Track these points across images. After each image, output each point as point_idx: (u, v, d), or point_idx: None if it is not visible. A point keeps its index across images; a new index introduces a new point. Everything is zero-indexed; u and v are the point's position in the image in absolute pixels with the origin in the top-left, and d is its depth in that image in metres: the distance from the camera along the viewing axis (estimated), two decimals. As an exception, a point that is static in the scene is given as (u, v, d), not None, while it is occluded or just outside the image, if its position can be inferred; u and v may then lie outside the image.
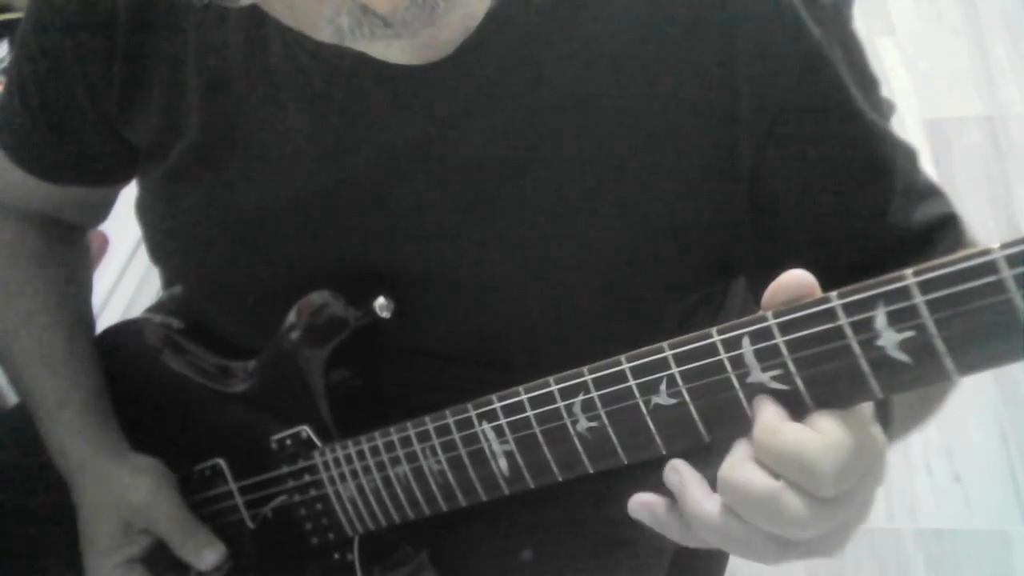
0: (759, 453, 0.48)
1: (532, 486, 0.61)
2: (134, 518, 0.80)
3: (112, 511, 0.80)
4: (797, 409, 0.48)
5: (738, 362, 0.49)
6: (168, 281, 0.87)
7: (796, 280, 0.47)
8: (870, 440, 0.48)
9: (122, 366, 0.87)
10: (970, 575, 1.51)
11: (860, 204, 0.66)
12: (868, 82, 0.66)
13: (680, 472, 0.52)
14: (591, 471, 0.57)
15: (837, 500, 0.47)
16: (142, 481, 0.80)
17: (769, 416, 0.48)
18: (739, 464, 0.49)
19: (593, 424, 0.55)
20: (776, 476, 0.47)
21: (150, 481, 0.80)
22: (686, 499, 0.52)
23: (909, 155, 0.68)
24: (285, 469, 0.76)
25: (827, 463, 0.46)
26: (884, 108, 0.68)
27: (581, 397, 0.55)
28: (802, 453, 0.46)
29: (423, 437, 0.65)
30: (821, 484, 0.46)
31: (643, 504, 0.55)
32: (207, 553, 0.79)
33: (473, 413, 0.61)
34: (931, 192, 0.69)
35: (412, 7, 0.52)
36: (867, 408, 0.49)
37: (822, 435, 0.46)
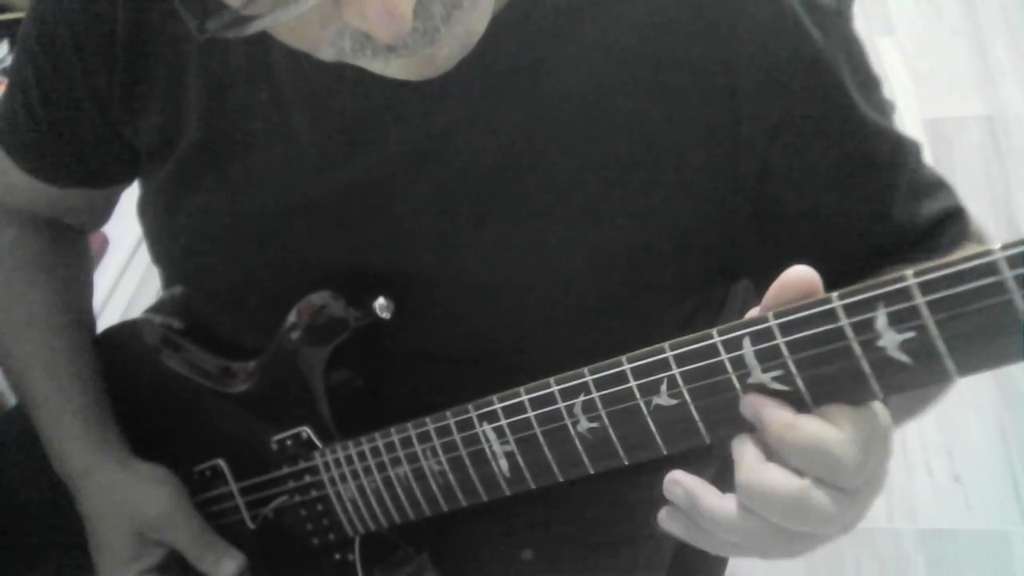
0: (779, 449, 0.47)
1: (533, 487, 0.61)
2: (148, 530, 0.79)
3: (124, 522, 0.80)
4: (798, 410, 0.48)
5: (739, 363, 0.49)
6: (168, 281, 0.87)
7: (800, 277, 0.47)
8: (879, 423, 0.48)
9: (122, 366, 0.87)
10: (970, 575, 1.51)
11: (865, 205, 0.66)
12: (870, 83, 0.66)
13: (681, 483, 0.51)
14: (592, 472, 0.57)
15: (858, 487, 0.47)
16: (160, 493, 0.80)
17: (780, 412, 0.48)
18: (757, 467, 0.48)
19: (594, 425, 0.55)
20: (799, 473, 0.47)
21: (166, 494, 0.80)
22: (701, 506, 0.51)
23: (913, 151, 0.68)
24: (286, 470, 0.76)
25: (849, 452, 0.46)
26: (886, 108, 0.68)
27: (582, 398, 0.55)
28: (824, 444, 0.46)
29: (424, 438, 0.65)
30: (845, 474, 0.46)
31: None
32: (226, 563, 0.79)
33: (474, 414, 0.61)
34: (936, 186, 0.69)
35: (414, 33, 0.52)
36: None
37: (838, 426, 0.46)
